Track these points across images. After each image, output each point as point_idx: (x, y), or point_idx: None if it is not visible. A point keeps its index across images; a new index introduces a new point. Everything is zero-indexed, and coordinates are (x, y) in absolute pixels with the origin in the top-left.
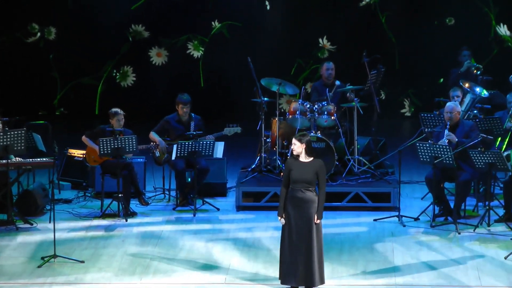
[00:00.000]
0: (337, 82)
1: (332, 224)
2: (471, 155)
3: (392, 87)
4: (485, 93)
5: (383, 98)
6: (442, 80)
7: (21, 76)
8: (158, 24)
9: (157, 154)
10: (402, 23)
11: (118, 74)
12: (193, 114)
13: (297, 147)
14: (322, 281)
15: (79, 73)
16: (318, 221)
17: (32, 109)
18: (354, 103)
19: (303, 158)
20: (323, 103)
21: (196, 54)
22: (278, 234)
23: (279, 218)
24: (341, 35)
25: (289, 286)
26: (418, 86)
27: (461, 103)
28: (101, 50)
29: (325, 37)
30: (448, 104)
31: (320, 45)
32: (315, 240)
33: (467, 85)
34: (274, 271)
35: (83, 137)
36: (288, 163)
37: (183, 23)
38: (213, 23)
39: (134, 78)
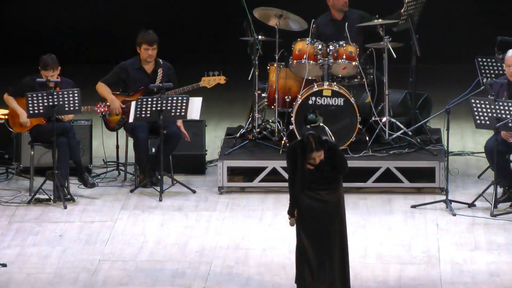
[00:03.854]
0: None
1: (354, 212)
2: None
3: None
4: None
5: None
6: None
7: None
8: None
9: (108, 115)
10: None
11: None
12: (161, 60)
13: (319, 155)
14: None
15: None
16: None
17: None
18: (384, 43)
19: None
20: (341, 42)
21: None
22: (276, 226)
23: (289, 217)
24: None
25: None
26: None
27: None
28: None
29: None
30: (509, 53)
31: None
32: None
33: None
34: (272, 277)
35: (5, 96)
36: (294, 153)
37: None
38: None
39: None
